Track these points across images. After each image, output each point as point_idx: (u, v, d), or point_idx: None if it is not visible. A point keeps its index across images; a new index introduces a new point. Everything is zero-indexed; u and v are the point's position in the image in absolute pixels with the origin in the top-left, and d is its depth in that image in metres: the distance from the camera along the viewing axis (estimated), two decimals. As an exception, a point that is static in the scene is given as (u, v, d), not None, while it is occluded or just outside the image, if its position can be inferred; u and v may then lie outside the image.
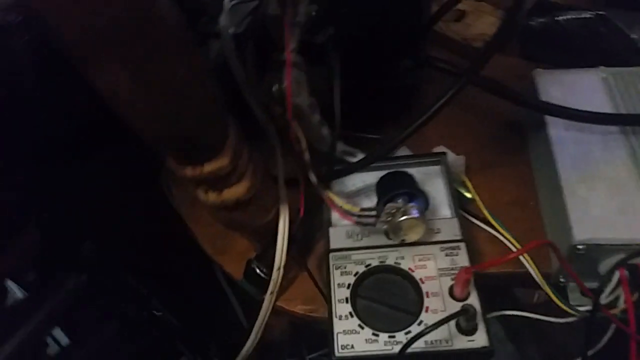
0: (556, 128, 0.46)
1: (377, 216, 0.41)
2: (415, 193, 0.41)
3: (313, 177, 0.40)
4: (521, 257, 0.44)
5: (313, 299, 0.46)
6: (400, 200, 0.40)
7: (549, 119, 0.46)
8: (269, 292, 0.45)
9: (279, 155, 0.42)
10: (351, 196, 0.47)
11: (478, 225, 0.46)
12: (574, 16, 0.54)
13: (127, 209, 0.62)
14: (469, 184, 0.48)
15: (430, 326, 0.35)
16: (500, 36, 0.40)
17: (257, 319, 0.46)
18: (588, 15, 0.53)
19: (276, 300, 0.46)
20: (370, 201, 0.46)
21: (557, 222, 0.43)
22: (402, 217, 0.39)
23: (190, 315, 0.73)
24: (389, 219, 0.40)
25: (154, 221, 0.68)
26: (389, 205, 0.40)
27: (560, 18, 0.55)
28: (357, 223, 0.41)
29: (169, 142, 0.33)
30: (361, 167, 0.41)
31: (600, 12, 0.53)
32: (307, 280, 0.47)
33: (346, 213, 0.40)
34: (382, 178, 0.43)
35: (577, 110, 0.44)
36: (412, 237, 0.41)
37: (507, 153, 0.53)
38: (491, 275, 0.43)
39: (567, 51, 0.55)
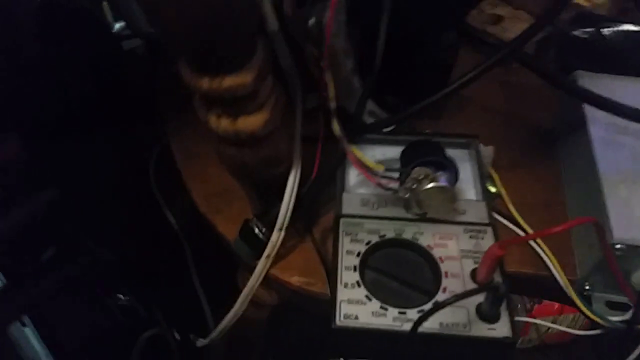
0: (596, 127, 0.43)
1: (402, 181, 0.37)
2: (445, 163, 0.37)
3: (337, 128, 0.36)
4: (546, 260, 0.40)
5: (312, 271, 0.41)
6: (428, 168, 0.36)
7: (590, 117, 0.43)
8: (265, 254, 0.40)
9: (298, 102, 0.38)
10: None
11: (500, 222, 0.42)
12: (618, 29, 0.52)
13: (113, 191, 0.61)
14: (496, 177, 0.44)
15: (453, 297, 0.30)
16: (545, 19, 0.37)
17: (247, 285, 0.41)
18: (633, 29, 0.51)
19: (271, 267, 0.41)
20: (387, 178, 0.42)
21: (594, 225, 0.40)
22: (430, 184, 0.35)
23: (157, 308, 0.67)
24: (414, 186, 0.36)
25: (135, 208, 0.65)
26: (417, 169, 0.36)
27: (604, 30, 0.52)
28: (379, 185, 0.37)
29: (190, 40, 0.29)
30: (393, 122, 0.37)
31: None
32: (307, 250, 0.42)
33: (369, 171, 0.36)
34: (409, 145, 0.39)
35: (620, 104, 0.41)
36: (437, 210, 0.37)
37: (535, 155, 0.49)
38: (510, 277, 0.39)
39: (607, 64, 0.52)
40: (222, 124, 0.33)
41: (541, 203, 0.45)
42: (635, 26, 0.51)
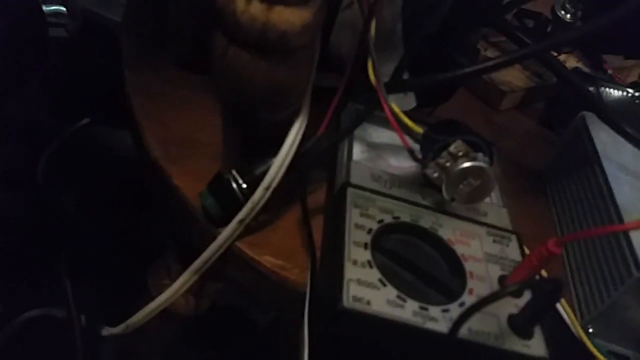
0: (611, 164, 0.40)
1: (432, 157, 0.30)
2: (482, 146, 0.31)
3: (374, 75, 0.29)
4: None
5: (289, 254, 0.32)
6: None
7: (601, 152, 0.41)
8: (238, 218, 0.31)
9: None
10: (373, 149, 0.36)
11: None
12: (615, 90, 0.52)
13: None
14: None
15: (509, 287, 0.23)
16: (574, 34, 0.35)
17: (202, 253, 0.31)
18: (630, 92, 0.51)
19: (238, 238, 0.32)
20: (398, 161, 0.36)
21: (605, 261, 0.36)
22: (468, 162, 0.29)
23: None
24: (448, 163, 0.30)
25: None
26: (458, 143, 0.29)
27: (601, 89, 0.52)
28: (410, 153, 0.30)
29: None
30: (428, 83, 0.31)
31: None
32: (285, 228, 0.34)
33: (405, 130, 0.29)
34: (435, 124, 0.33)
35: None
36: (469, 197, 0.30)
37: (527, 193, 0.46)
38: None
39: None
40: (252, 9, 0.25)
41: (534, 236, 0.40)
42: (632, 90, 0.51)
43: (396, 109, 0.29)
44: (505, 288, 0.25)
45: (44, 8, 0.67)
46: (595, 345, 0.35)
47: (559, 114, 0.55)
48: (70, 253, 0.59)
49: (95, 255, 0.60)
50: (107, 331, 0.37)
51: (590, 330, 0.35)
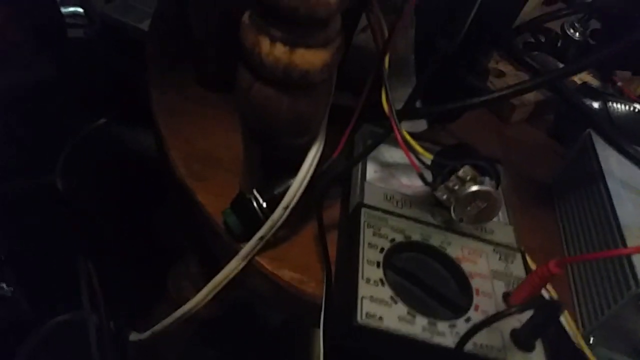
0: (612, 180, 0.42)
1: (442, 180, 0.32)
2: (489, 170, 0.33)
3: (387, 103, 0.31)
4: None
5: (306, 267, 0.34)
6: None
7: (606, 169, 0.43)
8: (258, 235, 0.33)
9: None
10: (386, 169, 0.38)
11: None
12: (622, 105, 0.53)
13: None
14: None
15: (516, 307, 0.25)
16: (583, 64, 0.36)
17: (225, 267, 0.33)
18: (638, 108, 0.52)
19: (258, 253, 0.34)
20: (409, 180, 0.38)
21: (607, 276, 0.37)
22: (475, 186, 0.31)
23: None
24: (456, 186, 0.32)
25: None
26: (466, 168, 0.31)
27: (609, 104, 0.53)
28: (420, 176, 0.32)
29: None
30: (439, 112, 0.33)
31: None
32: (302, 244, 0.36)
33: (416, 155, 0.31)
34: (444, 149, 0.35)
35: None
36: (476, 218, 0.32)
37: (535, 206, 0.47)
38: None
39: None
40: (276, 51, 0.27)
41: (539, 249, 0.42)
42: (640, 105, 0.52)
43: (407, 137, 0.31)
44: (509, 308, 0.27)
45: (62, 9, 0.70)
46: (595, 355, 0.36)
47: (568, 127, 0.56)
48: (91, 255, 0.61)
49: (114, 256, 0.63)
50: (134, 336, 0.39)
51: (592, 340, 0.37)
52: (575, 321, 0.38)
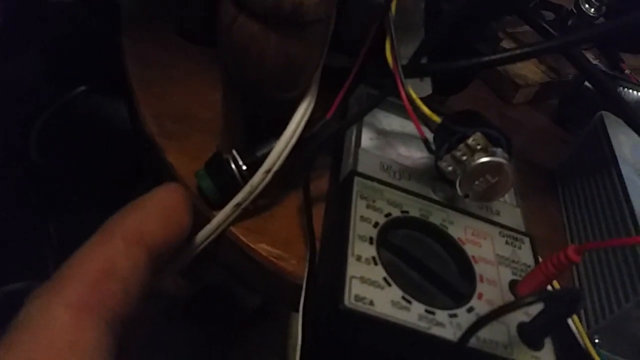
0: (628, 168, 0.39)
1: (448, 149, 0.28)
2: (501, 138, 0.29)
3: (391, 58, 0.27)
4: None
5: (287, 243, 0.30)
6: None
7: (621, 159, 0.39)
8: (235, 201, 0.29)
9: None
10: (382, 137, 0.34)
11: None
12: (633, 91, 0.50)
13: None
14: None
15: (531, 297, 0.21)
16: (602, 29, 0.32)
17: (194, 237, 0.29)
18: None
19: (233, 223, 0.30)
20: (408, 150, 0.34)
21: (619, 271, 0.34)
22: (487, 157, 0.27)
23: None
24: (464, 157, 0.28)
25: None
26: (477, 136, 0.27)
27: (619, 89, 0.50)
28: (425, 143, 0.28)
29: None
30: (449, 69, 0.29)
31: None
32: (283, 216, 0.32)
33: (420, 118, 0.27)
34: (452, 114, 0.30)
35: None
36: (484, 195, 0.28)
37: (536, 193, 0.44)
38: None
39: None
40: (266, -23, 0.22)
41: (544, 239, 0.39)
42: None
43: (414, 95, 0.27)
44: (521, 300, 0.23)
45: (44, -29, 0.65)
46: (601, 356, 0.33)
47: (573, 112, 0.53)
48: (59, 226, 0.57)
49: (85, 228, 0.58)
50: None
51: (597, 340, 0.34)
52: (580, 319, 0.35)
